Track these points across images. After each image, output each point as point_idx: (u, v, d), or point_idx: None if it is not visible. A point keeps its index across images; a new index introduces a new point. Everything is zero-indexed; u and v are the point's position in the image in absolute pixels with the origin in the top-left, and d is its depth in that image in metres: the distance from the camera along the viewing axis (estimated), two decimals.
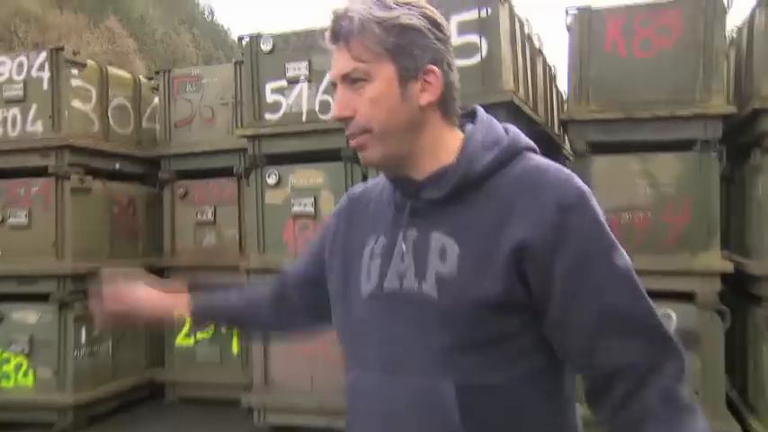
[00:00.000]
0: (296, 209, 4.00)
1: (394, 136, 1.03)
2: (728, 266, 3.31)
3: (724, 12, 3.37)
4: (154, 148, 4.93)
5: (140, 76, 5.24)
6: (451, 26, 3.43)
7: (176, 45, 27.42)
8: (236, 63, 4.60)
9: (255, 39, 4.09)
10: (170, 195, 4.77)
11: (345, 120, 1.04)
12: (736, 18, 3.69)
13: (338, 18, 1.02)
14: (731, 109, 3.33)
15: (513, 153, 1.04)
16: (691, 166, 3.35)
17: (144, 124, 5.07)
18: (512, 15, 3.66)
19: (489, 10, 3.43)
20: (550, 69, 4.84)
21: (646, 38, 3.43)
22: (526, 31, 4.04)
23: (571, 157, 3.61)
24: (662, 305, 3.36)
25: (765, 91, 3.23)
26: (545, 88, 4.56)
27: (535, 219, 0.97)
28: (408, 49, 1.01)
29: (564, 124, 3.75)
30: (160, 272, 4.73)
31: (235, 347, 4.63)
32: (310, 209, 3.99)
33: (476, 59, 3.45)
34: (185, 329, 4.68)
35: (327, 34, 1.04)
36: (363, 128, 1.03)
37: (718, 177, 3.35)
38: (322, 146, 3.96)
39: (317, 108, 3.98)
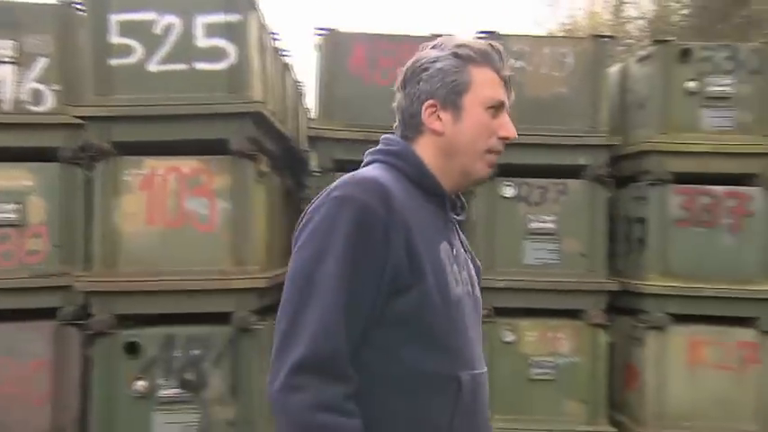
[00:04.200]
0: None
1: None
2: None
3: None
4: None
5: None
6: (197, 28, 3.11)
7: None
8: None
9: None
10: None
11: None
12: None
13: (511, 77, 1.23)
14: None
15: None
16: None
17: None
18: (262, 25, 3.47)
19: (238, 15, 3.19)
20: (299, 86, 4.79)
21: (386, 67, 3.58)
22: (276, 44, 3.90)
23: (317, 173, 3.57)
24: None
25: None
26: (294, 104, 4.49)
27: None
28: None
29: (312, 141, 3.70)
30: None
31: None
32: (13, 216, 3.20)
33: (223, 65, 3.17)
34: None
35: (508, 72, 1.22)
36: None
37: None
38: (32, 143, 3.22)
39: (26, 97, 3.21)
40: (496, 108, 1.19)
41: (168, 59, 3.12)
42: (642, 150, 3.70)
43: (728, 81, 3.62)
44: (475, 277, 1.25)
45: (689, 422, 3.49)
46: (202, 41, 3.14)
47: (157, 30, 3.09)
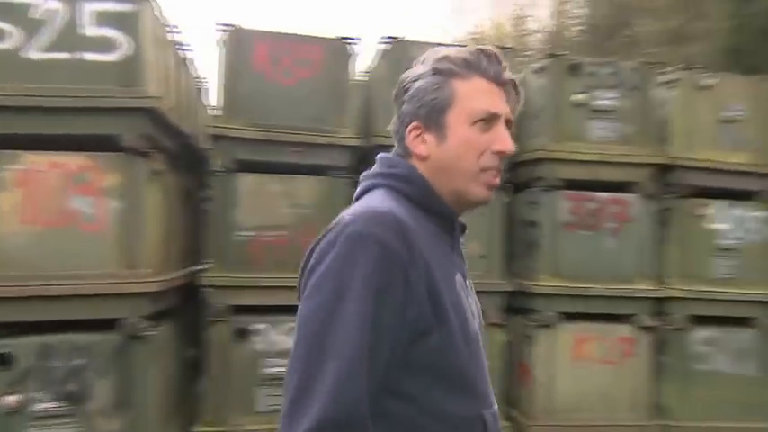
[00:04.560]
0: None
1: None
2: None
3: (351, 56, 3.69)
4: None
5: None
6: (85, 16, 2.91)
7: None
8: None
9: None
10: None
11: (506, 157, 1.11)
12: (364, 63, 4.01)
13: (516, 81, 1.12)
14: (358, 141, 3.66)
15: None
16: (325, 189, 3.56)
17: None
18: (157, 16, 3.29)
19: (131, 5, 3.00)
20: (199, 82, 4.59)
21: (289, 66, 3.51)
22: (174, 37, 3.71)
23: (219, 174, 3.44)
24: None
25: (382, 129, 3.66)
26: (193, 100, 4.29)
27: None
28: None
29: (214, 139, 3.55)
30: None
31: None
32: None
33: (114, 57, 2.97)
34: None
35: (507, 76, 1.10)
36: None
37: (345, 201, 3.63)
38: None
39: None
40: (487, 120, 1.08)
41: (51, 47, 2.89)
42: (536, 158, 3.87)
43: (612, 95, 3.87)
44: (480, 306, 1.18)
45: (575, 414, 3.69)
46: (90, 30, 2.94)
47: (37, 14, 2.86)
